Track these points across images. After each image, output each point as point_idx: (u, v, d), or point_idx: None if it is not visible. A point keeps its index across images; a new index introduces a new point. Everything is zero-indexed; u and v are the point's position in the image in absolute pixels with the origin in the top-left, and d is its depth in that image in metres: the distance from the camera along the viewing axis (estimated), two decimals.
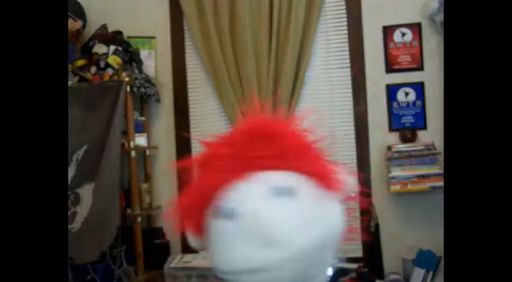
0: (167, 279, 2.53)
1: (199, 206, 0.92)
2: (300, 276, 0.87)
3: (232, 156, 0.91)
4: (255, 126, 0.94)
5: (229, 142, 0.95)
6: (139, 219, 2.61)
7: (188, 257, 2.63)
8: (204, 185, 0.91)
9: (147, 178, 2.86)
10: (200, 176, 0.95)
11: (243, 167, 0.89)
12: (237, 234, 0.84)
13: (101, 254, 2.38)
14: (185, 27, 2.98)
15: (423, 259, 2.47)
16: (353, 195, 1.01)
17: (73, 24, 2.77)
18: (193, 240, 0.97)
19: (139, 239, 2.59)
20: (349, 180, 0.98)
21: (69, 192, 2.47)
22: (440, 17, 2.54)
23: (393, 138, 2.70)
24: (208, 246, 0.92)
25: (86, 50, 2.81)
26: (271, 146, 0.91)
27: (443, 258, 2.40)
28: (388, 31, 2.73)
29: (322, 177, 0.93)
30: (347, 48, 2.79)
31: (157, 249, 2.74)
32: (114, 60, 2.70)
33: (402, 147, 2.61)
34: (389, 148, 2.64)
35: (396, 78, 2.72)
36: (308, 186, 0.90)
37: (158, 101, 2.89)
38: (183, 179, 0.97)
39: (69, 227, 2.42)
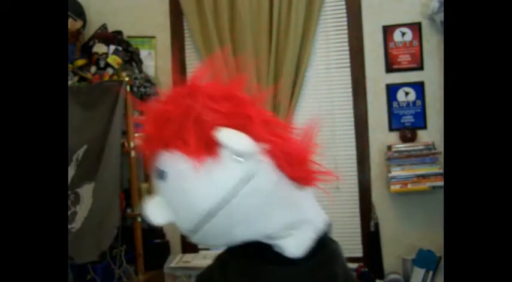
0: (167, 279, 2.53)
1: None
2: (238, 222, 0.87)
3: (180, 114, 0.87)
4: (202, 86, 0.90)
5: (168, 102, 0.90)
6: (139, 219, 2.61)
7: (188, 256, 2.63)
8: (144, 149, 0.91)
9: (147, 178, 2.86)
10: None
11: (192, 124, 0.86)
12: (169, 195, 0.87)
13: (101, 254, 2.38)
14: (185, 27, 2.98)
15: (423, 259, 2.47)
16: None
17: (73, 24, 2.77)
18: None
19: (139, 239, 2.59)
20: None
21: (69, 192, 2.47)
22: (440, 17, 2.55)
23: (393, 138, 2.70)
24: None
25: (86, 50, 2.81)
26: (219, 105, 0.87)
27: (443, 258, 2.40)
28: (388, 31, 2.73)
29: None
30: (347, 48, 2.79)
31: (157, 249, 2.74)
32: (114, 60, 2.70)
33: (402, 147, 2.61)
34: (389, 148, 2.64)
35: (396, 77, 2.72)
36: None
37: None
38: None
39: (69, 226, 2.42)
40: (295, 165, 0.90)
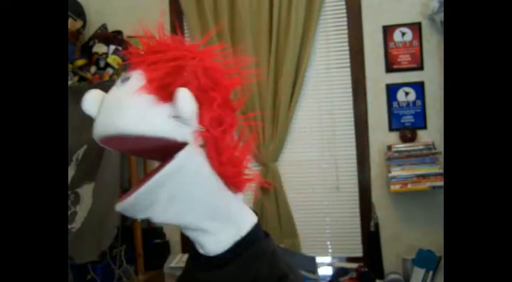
0: (167, 279, 2.53)
1: None
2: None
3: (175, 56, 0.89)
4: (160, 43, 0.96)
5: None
6: (139, 219, 2.60)
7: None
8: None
9: None
10: None
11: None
12: (111, 96, 0.91)
13: (101, 254, 2.38)
14: (185, 27, 2.98)
15: (423, 259, 2.47)
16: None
17: (73, 24, 2.78)
18: None
19: (139, 239, 2.59)
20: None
21: (69, 192, 2.47)
22: (440, 17, 2.55)
23: (393, 138, 2.70)
24: None
25: (86, 50, 2.81)
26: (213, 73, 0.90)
27: (443, 258, 2.40)
28: (388, 31, 2.73)
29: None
30: (347, 48, 2.79)
31: (157, 249, 2.74)
32: (114, 59, 2.70)
33: (402, 147, 2.61)
34: (389, 148, 2.64)
35: (396, 77, 2.72)
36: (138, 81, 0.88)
37: None
38: None
39: (69, 226, 2.42)
40: (224, 164, 0.89)
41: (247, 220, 0.97)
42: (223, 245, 0.92)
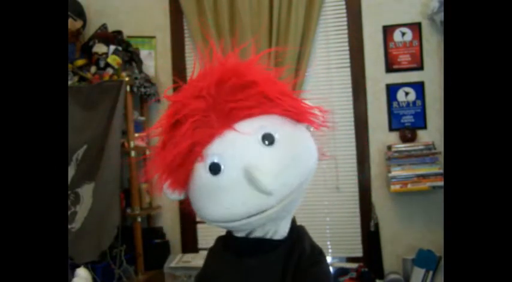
0: (167, 279, 2.53)
1: (181, 163, 0.92)
2: (285, 210, 0.93)
3: (207, 110, 0.89)
4: (227, 74, 0.92)
5: (202, 94, 0.91)
6: (139, 219, 2.61)
7: (188, 256, 2.63)
8: (186, 142, 0.90)
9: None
10: (178, 133, 0.92)
11: (222, 119, 0.89)
12: (228, 187, 0.88)
13: (101, 254, 2.38)
14: (185, 27, 2.98)
15: (423, 259, 2.47)
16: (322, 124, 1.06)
17: (73, 24, 2.78)
18: (172, 194, 0.97)
19: (139, 239, 2.59)
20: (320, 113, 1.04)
21: (69, 192, 2.47)
22: (440, 17, 2.55)
23: (393, 137, 2.70)
24: (197, 199, 0.94)
25: (86, 50, 2.81)
26: (247, 95, 0.91)
27: (443, 258, 2.40)
28: (388, 31, 2.73)
29: (300, 116, 0.98)
30: (347, 48, 2.79)
31: (157, 249, 2.74)
32: (114, 60, 2.70)
33: (402, 146, 2.61)
34: (389, 148, 2.64)
35: (396, 77, 2.72)
36: (285, 127, 0.93)
37: (158, 101, 2.89)
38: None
39: (69, 226, 2.42)
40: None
41: None
42: (288, 227, 1.00)
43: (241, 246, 0.99)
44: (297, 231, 1.02)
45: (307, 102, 1.01)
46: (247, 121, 0.90)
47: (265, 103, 0.92)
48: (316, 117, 1.01)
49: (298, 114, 0.97)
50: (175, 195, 0.97)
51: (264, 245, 0.97)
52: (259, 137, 0.89)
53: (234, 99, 0.90)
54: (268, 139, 0.89)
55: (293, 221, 1.02)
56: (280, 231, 0.98)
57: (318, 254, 1.01)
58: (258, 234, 0.97)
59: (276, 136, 0.90)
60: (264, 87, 0.92)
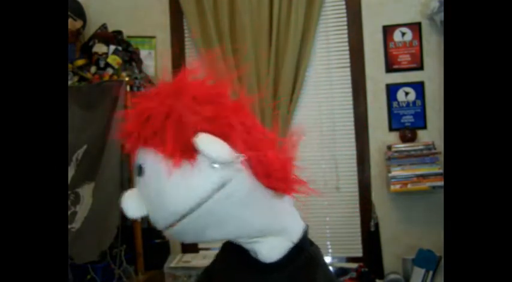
0: (167, 278, 2.53)
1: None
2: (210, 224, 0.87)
3: (161, 114, 0.85)
4: (188, 86, 0.88)
5: (160, 98, 0.87)
6: (139, 219, 2.60)
7: (188, 256, 2.63)
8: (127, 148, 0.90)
9: None
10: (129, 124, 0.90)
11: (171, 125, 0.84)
12: (145, 191, 0.87)
13: (101, 254, 2.38)
14: (185, 27, 2.98)
15: (423, 259, 2.47)
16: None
17: (73, 24, 2.78)
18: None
19: (139, 239, 2.59)
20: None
21: (69, 192, 2.47)
22: (440, 17, 2.55)
23: (393, 137, 2.70)
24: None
25: (86, 50, 2.81)
26: (202, 108, 0.85)
27: (443, 258, 2.40)
28: (388, 31, 2.73)
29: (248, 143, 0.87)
30: (347, 48, 2.79)
31: (157, 249, 2.74)
32: (114, 59, 2.70)
33: (402, 146, 2.61)
34: (389, 148, 2.64)
35: (396, 77, 2.72)
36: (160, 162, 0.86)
37: None
38: None
39: (69, 226, 2.42)
40: (272, 176, 0.89)
41: (298, 226, 1.00)
42: (278, 252, 0.94)
43: (239, 260, 0.97)
44: (304, 256, 0.96)
45: None
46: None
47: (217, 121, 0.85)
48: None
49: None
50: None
51: (257, 264, 0.94)
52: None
53: (188, 109, 0.85)
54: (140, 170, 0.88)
55: (302, 242, 0.97)
56: (263, 252, 0.93)
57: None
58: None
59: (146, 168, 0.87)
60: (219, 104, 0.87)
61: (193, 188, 0.82)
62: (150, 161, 0.85)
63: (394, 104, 2.71)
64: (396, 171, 2.55)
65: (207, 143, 0.81)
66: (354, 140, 2.77)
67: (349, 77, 2.78)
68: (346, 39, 2.79)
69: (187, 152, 0.82)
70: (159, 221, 0.86)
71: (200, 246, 2.87)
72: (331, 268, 2.67)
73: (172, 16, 2.99)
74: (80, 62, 2.74)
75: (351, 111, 2.77)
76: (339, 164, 2.78)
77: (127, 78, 2.59)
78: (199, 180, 0.82)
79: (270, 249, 0.93)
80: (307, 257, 0.96)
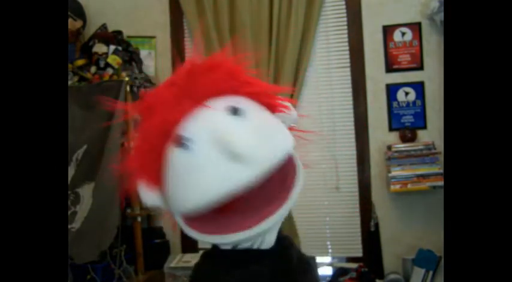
0: (167, 278, 2.53)
1: (153, 149, 0.89)
2: None
3: (178, 95, 0.89)
4: (194, 64, 0.92)
5: (172, 83, 0.92)
6: (139, 219, 2.61)
7: (188, 256, 2.63)
8: (156, 126, 0.88)
9: None
10: (148, 120, 0.91)
11: (192, 99, 0.88)
12: (202, 163, 0.83)
13: (101, 254, 2.38)
14: (185, 27, 2.98)
15: (423, 259, 2.47)
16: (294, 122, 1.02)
17: (73, 24, 2.78)
18: (149, 195, 0.92)
19: (139, 239, 2.59)
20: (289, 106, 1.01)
21: (69, 192, 2.47)
22: (440, 17, 2.55)
23: (393, 137, 2.70)
24: (172, 188, 0.88)
25: (86, 50, 2.81)
26: (215, 75, 0.91)
27: (443, 258, 2.40)
28: (388, 30, 2.73)
29: (266, 99, 0.97)
30: (347, 48, 2.79)
31: (157, 249, 2.74)
32: (114, 59, 2.70)
33: (402, 146, 2.61)
34: (389, 148, 2.64)
35: (396, 77, 2.72)
36: (255, 106, 0.92)
37: None
38: None
39: (69, 226, 2.42)
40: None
41: None
42: (274, 237, 0.96)
43: (227, 258, 0.96)
44: (283, 241, 0.99)
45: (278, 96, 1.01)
46: (217, 99, 0.90)
47: (234, 84, 0.93)
48: (288, 110, 0.98)
49: (268, 100, 0.96)
50: (152, 197, 0.91)
51: (251, 255, 0.95)
52: (229, 110, 0.88)
53: (203, 80, 0.90)
54: (237, 112, 0.87)
55: (280, 231, 0.99)
56: (267, 240, 0.95)
57: (306, 263, 1.01)
58: (244, 245, 0.94)
59: (246, 110, 0.88)
60: (233, 69, 0.94)
61: (287, 134, 0.92)
62: (249, 106, 0.90)
63: (394, 104, 2.71)
64: (396, 171, 2.55)
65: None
66: (354, 140, 2.77)
67: (349, 77, 2.78)
68: (346, 39, 2.79)
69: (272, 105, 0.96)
70: (262, 161, 0.83)
71: (200, 246, 2.87)
72: (331, 268, 2.68)
73: (172, 16, 2.99)
74: (80, 62, 2.74)
75: (351, 111, 2.77)
76: (339, 164, 2.78)
77: (127, 78, 2.59)
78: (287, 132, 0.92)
79: (272, 235, 0.95)
80: (285, 240, 1.00)
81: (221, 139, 0.81)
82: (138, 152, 0.92)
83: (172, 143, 0.86)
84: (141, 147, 0.92)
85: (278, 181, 0.89)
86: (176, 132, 0.86)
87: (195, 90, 0.90)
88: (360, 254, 2.74)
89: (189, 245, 2.86)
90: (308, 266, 1.00)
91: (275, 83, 2.71)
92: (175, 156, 0.86)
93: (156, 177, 0.91)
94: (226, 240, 0.88)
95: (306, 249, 2.69)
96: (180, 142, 0.85)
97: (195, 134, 0.85)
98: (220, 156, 0.81)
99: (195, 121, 0.86)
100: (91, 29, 2.94)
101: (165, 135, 0.88)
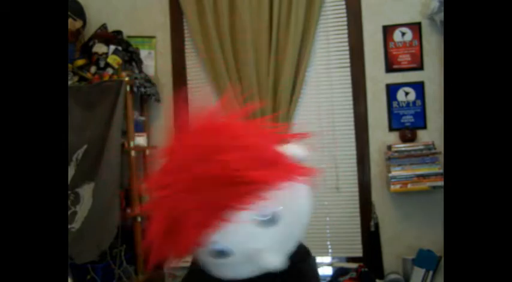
0: (167, 278, 2.53)
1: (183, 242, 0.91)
2: None
3: (203, 206, 0.87)
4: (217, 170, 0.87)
5: (191, 187, 0.87)
6: (139, 219, 2.61)
7: (188, 256, 2.63)
8: (189, 239, 0.90)
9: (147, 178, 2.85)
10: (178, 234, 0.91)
11: (218, 212, 0.87)
12: (231, 265, 0.94)
13: (101, 254, 2.38)
14: (185, 27, 2.98)
15: (423, 259, 2.48)
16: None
17: (73, 24, 2.78)
18: (178, 261, 1.00)
19: (139, 239, 2.59)
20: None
21: (69, 192, 2.47)
22: (440, 17, 2.55)
23: (393, 137, 2.70)
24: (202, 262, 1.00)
25: (86, 50, 2.81)
26: (241, 191, 0.87)
27: (443, 258, 2.40)
28: (388, 30, 2.73)
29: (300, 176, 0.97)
30: (347, 48, 2.79)
31: None
32: (114, 59, 2.70)
33: (402, 146, 2.61)
34: (389, 148, 2.64)
35: (396, 77, 2.72)
36: (284, 198, 0.92)
37: (158, 100, 2.89)
38: None
39: (69, 226, 2.42)
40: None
41: None
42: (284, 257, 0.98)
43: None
44: (294, 257, 1.03)
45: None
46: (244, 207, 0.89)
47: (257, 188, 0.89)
48: (309, 170, 0.97)
49: (299, 176, 0.96)
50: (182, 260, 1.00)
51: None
52: (259, 220, 0.91)
53: (227, 192, 0.87)
54: (267, 223, 0.91)
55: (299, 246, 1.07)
56: (273, 258, 0.99)
57: (305, 252, 1.07)
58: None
59: (275, 214, 0.92)
60: (259, 153, 0.91)
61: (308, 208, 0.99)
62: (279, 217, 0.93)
63: (394, 104, 2.71)
64: (396, 171, 2.55)
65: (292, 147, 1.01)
66: (354, 140, 2.77)
67: (349, 77, 2.78)
68: (346, 39, 2.79)
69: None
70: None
71: None
72: (331, 268, 2.68)
73: (172, 16, 2.99)
74: (80, 62, 2.74)
75: (351, 111, 2.77)
76: (339, 164, 2.78)
77: (127, 79, 2.59)
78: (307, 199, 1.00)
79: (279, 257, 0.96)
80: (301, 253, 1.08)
81: (255, 259, 0.90)
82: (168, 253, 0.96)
83: (207, 254, 0.95)
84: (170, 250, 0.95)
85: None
86: (208, 242, 0.91)
87: (222, 203, 0.87)
88: (360, 254, 2.74)
89: None
90: (306, 256, 1.07)
91: (275, 83, 2.71)
92: (208, 259, 0.97)
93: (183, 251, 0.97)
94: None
95: None
96: (216, 254, 0.93)
97: (228, 247, 0.91)
98: (250, 266, 0.94)
99: (227, 234, 0.90)
100: (91, 29, 2.94)
101: (196, 244, 0.92)
